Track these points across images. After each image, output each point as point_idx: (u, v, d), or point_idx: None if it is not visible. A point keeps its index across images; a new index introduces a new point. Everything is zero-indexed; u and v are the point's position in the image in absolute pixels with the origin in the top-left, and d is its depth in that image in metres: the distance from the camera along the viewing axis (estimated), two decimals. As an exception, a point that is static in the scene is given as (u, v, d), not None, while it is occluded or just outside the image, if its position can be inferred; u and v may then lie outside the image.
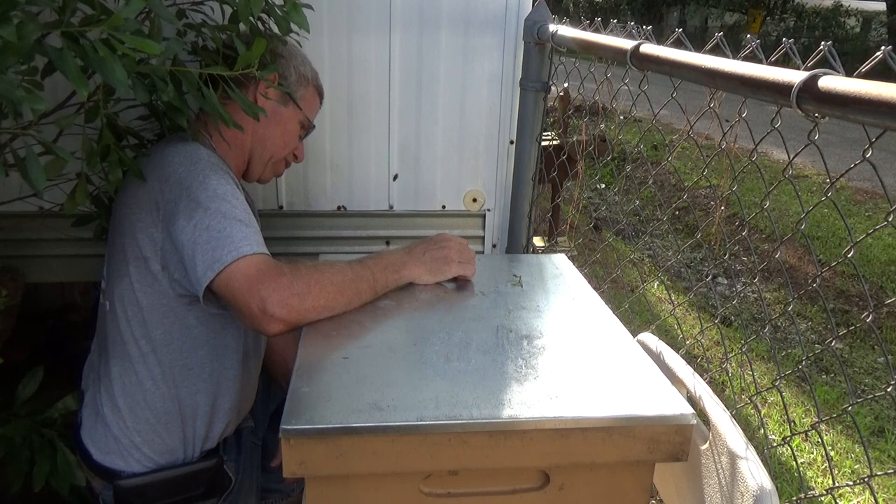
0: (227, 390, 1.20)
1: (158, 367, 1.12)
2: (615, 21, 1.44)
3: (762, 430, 2.52)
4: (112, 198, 1.22)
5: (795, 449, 2.51)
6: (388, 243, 1.76)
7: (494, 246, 1.81)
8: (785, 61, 0.81)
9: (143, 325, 1.11)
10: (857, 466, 2.44)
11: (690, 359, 1.10)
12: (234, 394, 1.21)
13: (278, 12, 1.11)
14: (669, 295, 3.85)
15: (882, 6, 18.55)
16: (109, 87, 1.05)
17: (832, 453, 2.52)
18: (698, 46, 0.96)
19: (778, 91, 0.72)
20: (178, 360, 1.13)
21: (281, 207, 1.69)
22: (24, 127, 0.95)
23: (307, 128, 1.32)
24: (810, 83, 0.67)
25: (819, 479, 2.35)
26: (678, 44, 1.06)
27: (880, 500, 2.31)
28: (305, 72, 1.27)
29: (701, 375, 1.02)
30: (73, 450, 1.17)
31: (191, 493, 1.18)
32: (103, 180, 1.10)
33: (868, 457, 2.62)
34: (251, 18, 1.08)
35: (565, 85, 3.17)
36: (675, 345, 1.14)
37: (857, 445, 2.54)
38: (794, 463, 2.38)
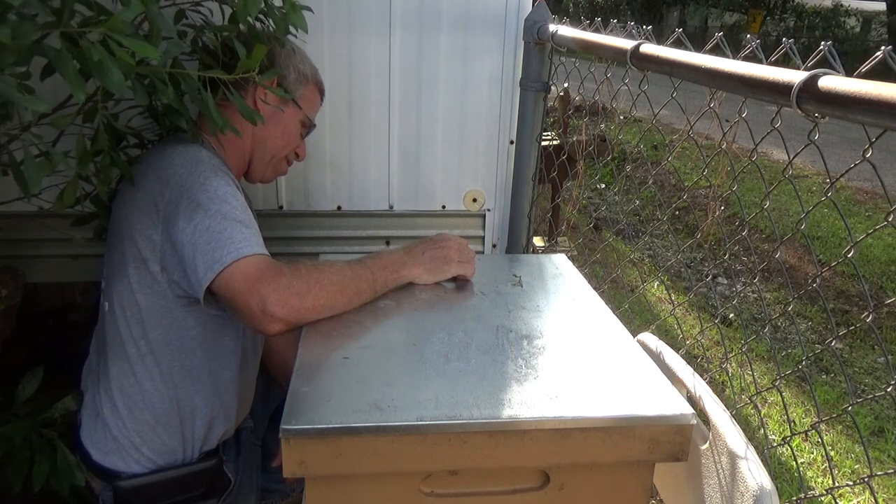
0: (226, 391, 1.20)
1: (157, 367, 1.12)
2: (615, 21, 1.44)
3: (762, 430, 2.52)
4: (111, 198, 1.22)
5: (795, 449, 2.51)
6: (387, 243, 1.76)
7: (494, 246, 1.81)
8: (785, 61, 0.81)
9: (141, 325, 1.11)
10: (857, 466, 2.44)
11: (690, 359, 1.10)
12: (232, 395, 1.21)
13: (277, 13, 1.11)
14: (669, 295, 3.85)
15: (882, 6, 18.54)
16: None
17: (832, 453, 2.52)
18: (698, 46, 0.96)
19: (778, 91, 0.72)
20: (176, 361, 1.13)
21: (281, 207, 1.69)
22: (23, 128, 0.95)
23: (308, 126, 1.31)
24: (810, 83, 0.67)
25: (819, 479, 2.35)
26: (678, 44, 1.06)
27: (880, 500, 2.31)
28: (305, 70, 1.26)
29: (701, 375, 1.02)
30: (73, 450, 1.17)
31: (190, 493, 1.18)
32: (96, 181, 1.10)
33: (868, 457, 2.62)
34: (249, 19, 1.07)
35: (565, 85, 3.17)
36: (675, 345, 1.14)
37: (857, 445, 2.54)
38: (794, 463, 2.38)
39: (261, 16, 1.15)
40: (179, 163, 1.07)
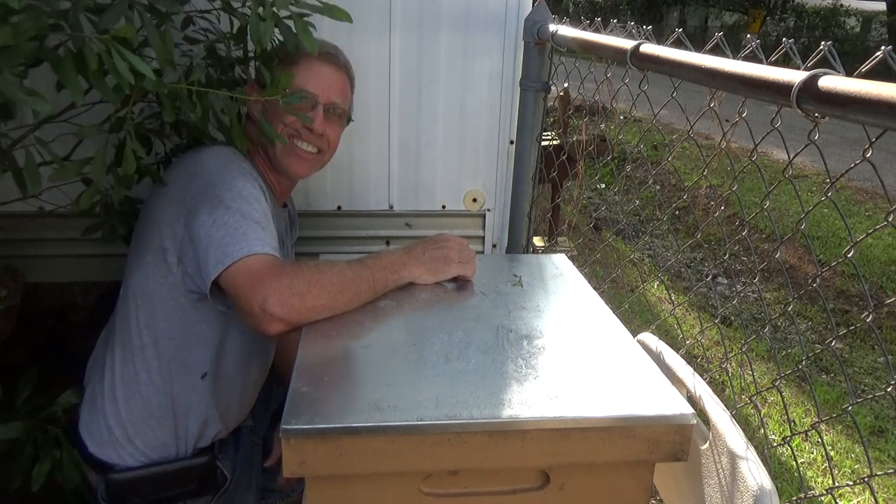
0: (225, 392, 1.20)
1: (157, 360, 1.13)
2: (615, 21, 1.44)
3: (762, 430, 2.52)
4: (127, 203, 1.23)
5: (795, 449, 2.51)
6: (388, 243, 1.76)
7: (494, 246, 1.81)
8: (785, 61, 0.81)
9: (149, 314, 1.12)
10: (857, 466, 2.44)
11: (690, 359, 1.10)
12: (231, 396, 1.22)
13: (285, 29, 1.10)
14: (669, 295, 3.85)
15: (882, 6, 18.53)
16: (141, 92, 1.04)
17: (832, 453, 2.52)
18: (698, 46, 0.96)
19: (778, 91, 0.72)
20: (177, 355, 1.14)
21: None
22: (29, 130, 0.96)
23: (296, 93, 1.16)
24: (810, 83, 0.67)
25: (819, 479, 2.35)
26: (678, 44, 1.06)
27: (880, 500, 2.31)
28: (279, 54, 1.17)
29: (701, 375, 1.02)
30: (72, 443, 1.18)
31: (182, 489, 1.19)
32: (114, 187, 1.12)
33: (868, 457, 2.62)
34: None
35: (565, 85, 3.17)
36: (675, 345, 1.14)
37: (857, 445, 2.54)
38: (794, 463, 2.38)
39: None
40: (212, 161, 1.11)
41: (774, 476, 0.96)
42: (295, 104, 1.16)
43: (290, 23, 1.09)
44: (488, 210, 1.77)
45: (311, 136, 1.23)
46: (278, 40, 1.14)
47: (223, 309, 1.13)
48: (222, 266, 0.99)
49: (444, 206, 1.75)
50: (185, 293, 1.11)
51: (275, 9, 1.04)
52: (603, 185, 5.92)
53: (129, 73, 0.84)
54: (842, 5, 19.85)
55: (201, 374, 1.16)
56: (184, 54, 1.22)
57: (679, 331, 3.18)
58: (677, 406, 0.82)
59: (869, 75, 0.64)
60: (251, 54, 1.26)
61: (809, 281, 4.00)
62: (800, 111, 0.69)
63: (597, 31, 1.36)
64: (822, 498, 2.23)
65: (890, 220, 0.70)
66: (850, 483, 2.12)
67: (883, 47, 0.67)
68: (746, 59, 0.84)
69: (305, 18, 1.10)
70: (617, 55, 1.14)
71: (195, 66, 1.03)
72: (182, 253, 1.08)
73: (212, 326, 1.15)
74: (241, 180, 1.08)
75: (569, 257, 1.35)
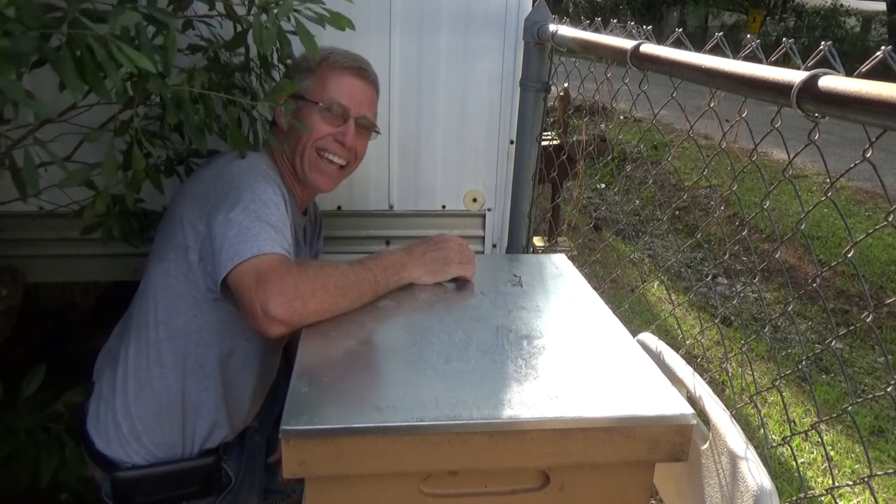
0: (237, 394, 1.20)
1: (171, 355, 1.13)
2: (615, 21, 1.44)
3: (762, 430, 2.52)
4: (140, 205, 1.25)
5: (795, 449, 2.51)
6: (388, 243, 1.76)
7: (494, 246, 1.81)
8: (785, 61, 0.81)
9: (167, 310, 1.13)
10: (857, 466, 2.44)
11: (690, 359, 1.10)
12: (243, 399, 1.22)
13: (285, 37, 1.11)
14: (669, 295, 3.85)
15: (882, 6, 18.54)
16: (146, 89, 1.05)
17: (832, 453, 2.52)
18: (698, 46, 0.96)
19: (778, 91, 0.72)
20: (192, 353, 1.14)
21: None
22: (28, 131, 0.96)
23: (331, 107, 1.21)
24: (810, 83, 0.67)
25: (819, 479, 2.35)
26: (678, 44, 1.06)
27: (880, 500, 2.31)
28: (307, 64, 1.23)
29: (701, 375, 1.02)
30: (78, 441, 1.18)
31: (186, 489, 1.19)
32: (125, 191, 1.13)
33: (868, 457, 2.62)
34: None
35: (565, 85, 3.17)
36: (675, 345, 1.14)
37: (857, 445, 2.54)
38: (794, 463, 2.38)
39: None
40: (238, 163, 1.14)
41: (774, 476, 0.96)
42: (294, 109, 1.19)
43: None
44: (488, 210, 1.77)
45: (341, 149, 1.24)
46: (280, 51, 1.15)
47: (236, 310, 1.13)
48: (231, 264, 1.00)
49: (444, 206, 1.75)
50: (204, 291, 1.12)
51: (277, 15, 1.04)
52: (603, 185, 5.92)
53: (129, 62, 0.84)
54: (842, 5, 19.85)
55: (214, 374, 1.16)
56: (185, 56, 1.22)
57: (679, 331, 3.18)
58: (677, 406, 0.82)
59: (869, 75, 0.64)
60: (252, 61, 1.27)
61: (809, 281, 4.00)
62: (800, 111, 0.69)
63: (597, 31, 1.36)
64: (822, 498, 2.23)
65: (890, 220, 0.70)
66: (850, 483, 2.12)
67: (883, 47, 0.67)
68: (746, 59, 0.84)
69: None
70: (617, 55, 1.14)
71: (197, 70, 1.04)
72: (203, 252, 1.10)
73: (228, 327, 1.15)
74: (264, 184, 1.10)
75: (569, 257, 1.35)
